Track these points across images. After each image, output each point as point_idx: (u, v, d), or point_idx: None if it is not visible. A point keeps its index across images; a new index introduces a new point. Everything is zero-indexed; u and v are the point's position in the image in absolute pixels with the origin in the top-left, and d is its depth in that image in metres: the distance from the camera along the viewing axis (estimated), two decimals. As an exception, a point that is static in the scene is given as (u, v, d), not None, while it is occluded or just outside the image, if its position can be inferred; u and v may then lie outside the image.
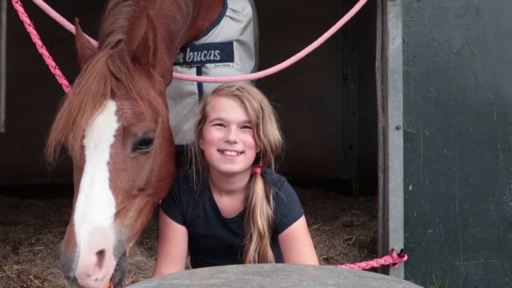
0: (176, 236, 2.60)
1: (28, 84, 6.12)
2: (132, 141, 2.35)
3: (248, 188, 2.55)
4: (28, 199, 5.68)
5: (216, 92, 2.55)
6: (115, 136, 2.33)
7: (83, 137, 2.32)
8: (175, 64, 3.22)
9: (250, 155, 2.48)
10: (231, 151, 2.44)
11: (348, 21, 3.34)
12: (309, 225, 4.64)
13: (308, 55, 3.28)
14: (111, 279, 2.31)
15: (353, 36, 6.20)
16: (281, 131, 2.59)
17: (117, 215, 2.29)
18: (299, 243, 2.56)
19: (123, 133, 2.34)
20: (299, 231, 2.57)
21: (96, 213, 2.25)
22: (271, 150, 2.51)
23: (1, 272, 3.68)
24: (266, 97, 2.59)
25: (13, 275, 3.64)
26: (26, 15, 3.01)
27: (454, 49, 3.49)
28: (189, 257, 2.84)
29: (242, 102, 2.46)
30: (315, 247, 4.15)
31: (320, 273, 2.04)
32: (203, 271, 2.08)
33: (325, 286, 1.90)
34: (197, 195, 2.60)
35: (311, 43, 3.26)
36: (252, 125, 2.46)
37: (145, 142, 2.39)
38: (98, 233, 2.22)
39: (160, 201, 2.62)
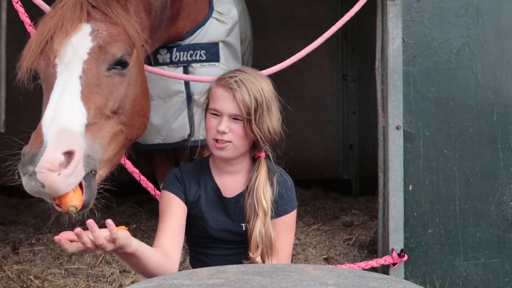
0: (177, 209, 2.60)
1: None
2: (107, 60, 2.35)
3: (252, 170, 2.64)
4: (28, 199, 5.65)
5: (218, 80, 2.62)
6: (89, 53, 2.32)
7: (55, 56, 2.30)
8: (162, 64, 3.31)
9: (239, 144, 2.57)
10: (221, 140, 2.55)
11: (348, 21, 3.34)
12: (309, 225, 4.69)
13: (308, 55, 3.29)
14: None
15: (353, 36, 6.19)
16: (281, 122, 2.65)
17: (88, 128, 2.22)
18: (288, 230, 2.68)
19: (98, 51, 2.33)
20: (290, 220, 2.68)
21: (67, 118, 2.19)
22: (265, 139, 2.59)
23: (1, 272, 3.68)
24: (270, 84, 2.63)
25: (13, 275, 3.64)
26: (26, 15, 3.02)
27: (454, 49, 3.49)
28: (189, 257, 2.85)
29: (235, 96, 2.54)
30: (315, 247, 4.23)
31: (320, 273, 2.04)
32: (203, 271, 2.08)
33: (325, 286, 1.90)
34: (199, 176, 2.67)
35: (311, 43, 3.27)
36: (243, 118, 2.54)
37: (120, 64, 2.38)
38: (67, 134, 2.14)
39: (133, 139, 2.56)
